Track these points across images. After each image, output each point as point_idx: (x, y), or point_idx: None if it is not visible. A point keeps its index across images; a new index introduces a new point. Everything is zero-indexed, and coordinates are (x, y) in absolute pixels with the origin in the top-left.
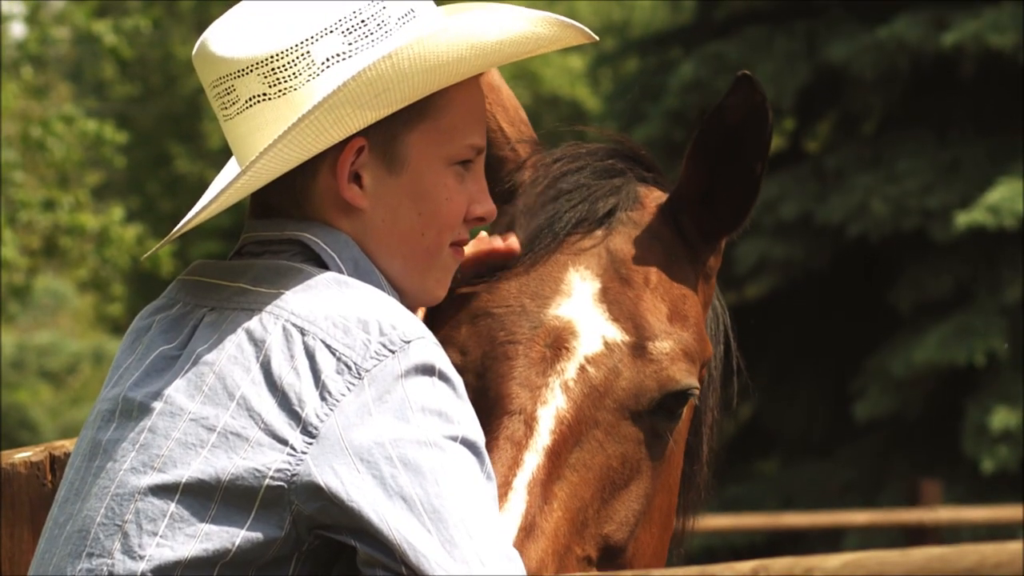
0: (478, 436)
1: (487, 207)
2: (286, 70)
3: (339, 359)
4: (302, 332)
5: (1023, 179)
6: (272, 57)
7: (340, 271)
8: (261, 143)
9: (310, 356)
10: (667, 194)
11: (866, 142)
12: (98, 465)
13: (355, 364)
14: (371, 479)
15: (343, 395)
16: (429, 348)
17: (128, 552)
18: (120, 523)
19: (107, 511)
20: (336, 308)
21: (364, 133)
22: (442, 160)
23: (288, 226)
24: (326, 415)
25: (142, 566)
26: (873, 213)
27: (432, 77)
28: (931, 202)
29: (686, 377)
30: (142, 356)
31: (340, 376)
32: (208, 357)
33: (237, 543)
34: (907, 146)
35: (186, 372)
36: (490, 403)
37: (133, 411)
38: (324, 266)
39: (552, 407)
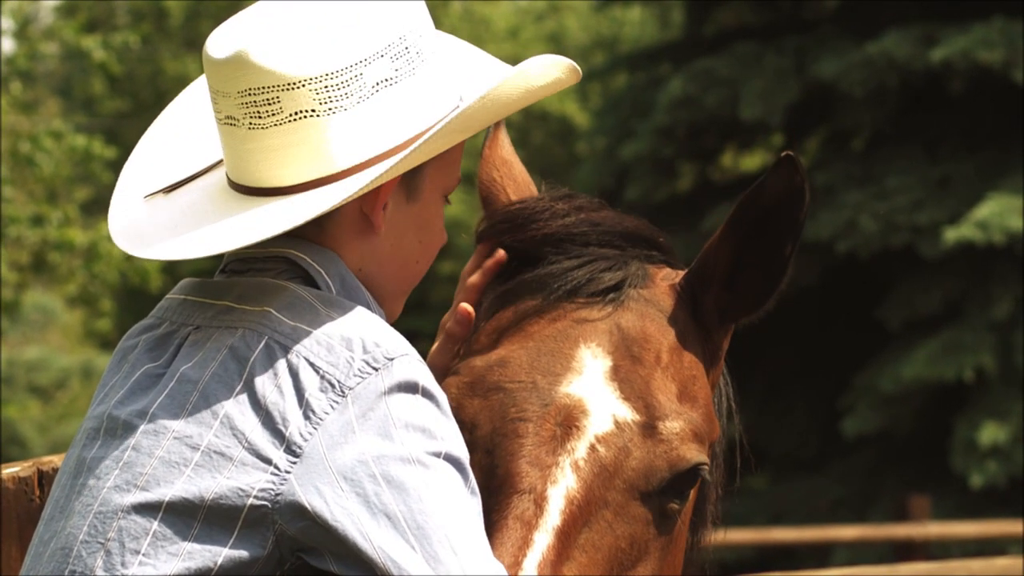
0: (462, 452)
1: (445, 237)
2: (339, 89)
3: (323, 377)
4: (285, 350)
5: (1013, 195)
6: (328, 75)
7: (328, 287)
8: (301, 158)
9: (294, 374)
10: (677, 271)
11: (855, 158)
12: (82, 483)
13: (339, 382)
14: (355, 497)
15: (327, 413)
16: (412, 365)
17: (110, 570)
18: (103, 541)
19: (90, 529)
20: (319, 326)
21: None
22: (441, 191)
23: (272, 243)
24: (310, 434)
25: None
26: (862, 229)
27: (493, 116)
28: (920, 218)
29: (696, 455)
30: (127, 374)
31: (324, 394)
32: (192, 375)
33: (219, 562)
34: (896, 162)
35: (170, 390)
36: (499, 481)
37: (117, 429)
38: (311, 282)
39: (562, 487)
